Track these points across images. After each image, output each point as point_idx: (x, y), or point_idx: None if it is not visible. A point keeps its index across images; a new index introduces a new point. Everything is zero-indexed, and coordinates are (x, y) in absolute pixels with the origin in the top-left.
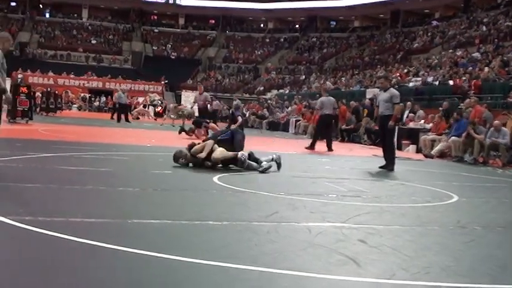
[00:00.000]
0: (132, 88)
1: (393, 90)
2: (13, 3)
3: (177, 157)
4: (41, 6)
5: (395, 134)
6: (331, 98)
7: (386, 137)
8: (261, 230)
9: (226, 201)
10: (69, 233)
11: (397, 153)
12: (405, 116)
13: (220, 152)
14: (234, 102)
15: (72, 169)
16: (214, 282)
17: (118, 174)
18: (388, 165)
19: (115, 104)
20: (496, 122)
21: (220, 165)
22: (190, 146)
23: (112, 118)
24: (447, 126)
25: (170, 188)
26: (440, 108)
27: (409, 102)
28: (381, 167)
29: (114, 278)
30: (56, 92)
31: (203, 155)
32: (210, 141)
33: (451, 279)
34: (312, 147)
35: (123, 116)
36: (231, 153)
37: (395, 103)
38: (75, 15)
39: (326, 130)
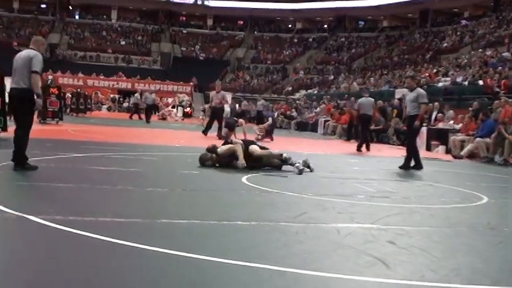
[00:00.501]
0: (161, 89)
1: (420, 90)
2: (43, 5)
3: (203, 159)
4: (70, 8)
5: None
6: (371, 98)
7: (408, 136)
8: (289, 231)
9: (254, 202)
10: (99, 233)
11: (426, 153)
12: (433, 116)
13: (262, 149)
14: (259, 103)
15: (102, 169)
16: (243, 283)
17: (147, 175)
18: (416, 166)
19: (136, 104)
20: None
21: (252, 165)
22: (213, 148)
23: (131, 118)
24: (476, 126)
25: (198, 188)
26: (470, 109)
27: (436, 103)
28: (400, 167)
29: (143, 278)
30: (86, 93)
31: (241, 158)
32: (239, 143)
33: (480, 281)
34: (361, 148)
35: (142, 116)
36: (276, 151)
37: (421, 103)
38: (104, 16)
39: (363, 130)
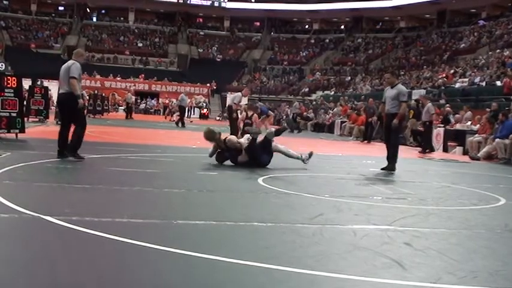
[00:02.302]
0: (178, 90)
1: (401, 87)
2: (61, 8)
3: (211, 132)
4: (88, 10)
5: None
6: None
7: (391, 136)
8: (306, 232)
9: (270, 203)
10: (116, 234)
11: (443, 155)
12: (451, 118)
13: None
14: (294, 104)
15: (119, 170)
16: (258, 284)
17: (164, 176)
18: (389, 166)
19: (128, 104)
20: None
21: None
22: (224, 138)
23: (127, 118)
24: (491, 128)
25: (215, 189)
26: (488, 109)
27: (448, 108)
28: (382, 169)
29: (158, 278)
30: (103, 94)
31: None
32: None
33: (499, 283)
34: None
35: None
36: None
37: (401, 101)
38: (122, 18)
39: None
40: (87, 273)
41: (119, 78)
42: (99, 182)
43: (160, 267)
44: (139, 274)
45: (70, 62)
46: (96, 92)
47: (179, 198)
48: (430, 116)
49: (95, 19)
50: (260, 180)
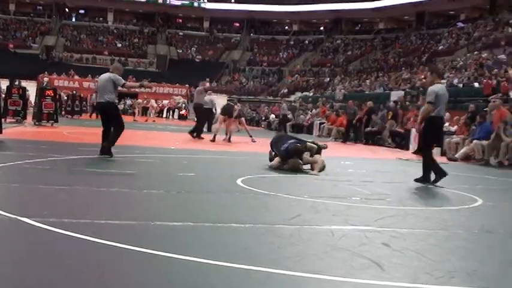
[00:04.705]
0: (157, 91)
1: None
2: (40, 7)
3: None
4: (67, 10)
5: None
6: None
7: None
8: (284, 233)
9: (248, 204)
10: (94, 235)
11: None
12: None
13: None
14: (283, 105)
15: (97, 171)
16: (235, 285)
17: (142, 177)
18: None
19: (93, 104)
20: None
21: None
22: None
23: (90, 117)
24: (468, 130)
25: (193, 190)
26: (468, 111)
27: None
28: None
29: (137, 280)
30: (81, 95)
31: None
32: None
33: (476, 284)
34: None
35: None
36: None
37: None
38: (101, 18)
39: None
40: (65, 275)
41: (97, 79)
42: (78, 183)
43: (138, 269)
44: (117, 276)
45: (109, 74)
46: (74, 92)
47: (157, 199)
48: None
49: (73, 19)
50: (239, 181)
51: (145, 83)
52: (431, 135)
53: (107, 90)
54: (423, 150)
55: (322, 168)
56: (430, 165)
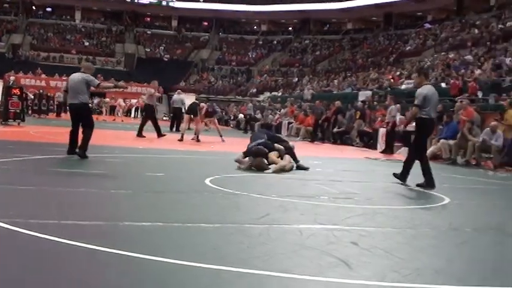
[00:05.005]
0: (125, 90)
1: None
2: (6, 5)
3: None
4: (33, 8)
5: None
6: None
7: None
8: (252, 233)
9: (217, 204)
10: (61, 236)
11: (390, 155)
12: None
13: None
14: (249, 105)
15: (65, 171)
16: (205, 285)
17: (110, 177)
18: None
19: (59, 103)
20: (494, 123)
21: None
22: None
23: (57, 116)
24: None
25: (162, 190)
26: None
27: (399, 105)
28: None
29: (105, 280)
30: (48, 94)
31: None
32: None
33: (443, 280)
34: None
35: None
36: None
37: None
38: (68, 17)
39: None
40: (30, 276)
41: (65, 78)
42: (44, 183)
43: (107, 270)
44: (85, 277)
45: (82, 74)
46: (41, 91)
47: (126, 199)
48: (391, 117)
49: (40, 17)
50: (207, 180)
51: (121, 83)
52: (423, 137)
53: (81, 91)
54: (418, 154)
55: (290, 169)
56: (429, 167)
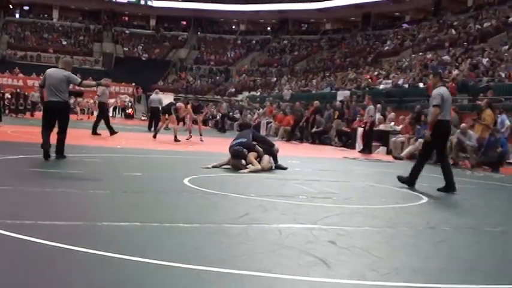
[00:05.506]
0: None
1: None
2: None
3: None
4: (10, 6)
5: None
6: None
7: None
8: (232, 232)
9: (197, 204)
10: (39, 236)
11: (368, 155)
12: (376, 118)
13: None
14: (223, 105)
15: (42, 171)
16: (184, 285)
17: (88, 177)
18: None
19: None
20: (463, 125)
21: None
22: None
23: (32, 115)
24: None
25: (141, 190)
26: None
27: (379, 105)
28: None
29: (84, 281)
30: (26, 93)
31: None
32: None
33: (421, 280)
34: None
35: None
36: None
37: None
38: (46, 15)
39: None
40: (8, 277)
41: (42, 77)
42: (22, 183)
43: (86, 270)
44: (63, 278)
45: (63, 71)
46: (18, 91)
47: (104, 199)
48: (369, 117)
49: (17, 16)
50: (186, 180)
51: (103, 81)
52: (441, 139)
53: (62, 89)
54: (440, 158)
55: (269, 169)
56: (450, 172)
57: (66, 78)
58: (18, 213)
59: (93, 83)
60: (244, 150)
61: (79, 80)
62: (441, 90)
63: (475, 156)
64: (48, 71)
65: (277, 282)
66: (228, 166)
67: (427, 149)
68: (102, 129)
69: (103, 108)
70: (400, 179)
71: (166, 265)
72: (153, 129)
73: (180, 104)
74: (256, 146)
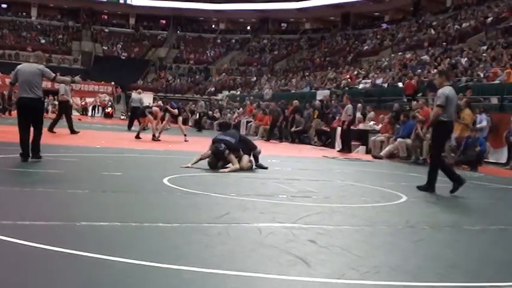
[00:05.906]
0: (82, 88)
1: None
2: None
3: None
4: None
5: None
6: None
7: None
8: (212, 232)
9: (176, 203)
10: (17, 236)
11: (347, 154)
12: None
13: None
14: (199, 103)
15: (20, 171)
16: (165, 285)
17: (67, 176)
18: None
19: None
20: None
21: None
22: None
23: (4, 114)
24: (392, 128)
25: (120, 189)
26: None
27: (359, 104)
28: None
29: (63, 281)
30: (4, 92)
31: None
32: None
33: (400, 278)
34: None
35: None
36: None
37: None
38: (24, 13)
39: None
40: None
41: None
42: (0, 183)
43: (64, 271)
44: (41, 278)
45: (36, 65)
46: None
47: (83, 199)
48: (347, 116)
49: None
50: (165, 180)
51: (77, 78)
52: (443, 140)
53: (36, 84)
54: (434, 158)
55: (249, 168)
56: (436, 177)
57: (41, 71)
58: None
59: (68, 79)
60: (227, 151)
61: (53, 74)
62: (446, 90)
63: (453, 155)
64: (20, 66)
65: (257, 282)
66: (206, 166)
67: (436, 149)
68: (62, 128)
69: (65, 106)
70: (420, 188)
71: (147, 265)
72: (133, 128)
73: (155, 109)
74: (241, 150)
